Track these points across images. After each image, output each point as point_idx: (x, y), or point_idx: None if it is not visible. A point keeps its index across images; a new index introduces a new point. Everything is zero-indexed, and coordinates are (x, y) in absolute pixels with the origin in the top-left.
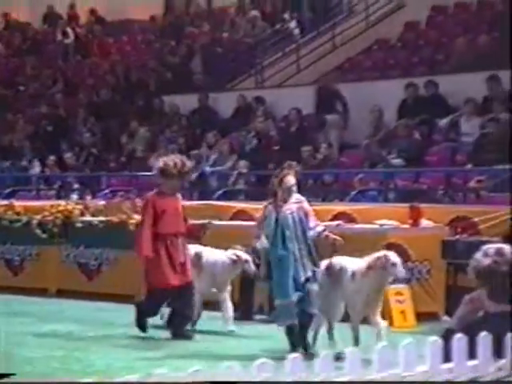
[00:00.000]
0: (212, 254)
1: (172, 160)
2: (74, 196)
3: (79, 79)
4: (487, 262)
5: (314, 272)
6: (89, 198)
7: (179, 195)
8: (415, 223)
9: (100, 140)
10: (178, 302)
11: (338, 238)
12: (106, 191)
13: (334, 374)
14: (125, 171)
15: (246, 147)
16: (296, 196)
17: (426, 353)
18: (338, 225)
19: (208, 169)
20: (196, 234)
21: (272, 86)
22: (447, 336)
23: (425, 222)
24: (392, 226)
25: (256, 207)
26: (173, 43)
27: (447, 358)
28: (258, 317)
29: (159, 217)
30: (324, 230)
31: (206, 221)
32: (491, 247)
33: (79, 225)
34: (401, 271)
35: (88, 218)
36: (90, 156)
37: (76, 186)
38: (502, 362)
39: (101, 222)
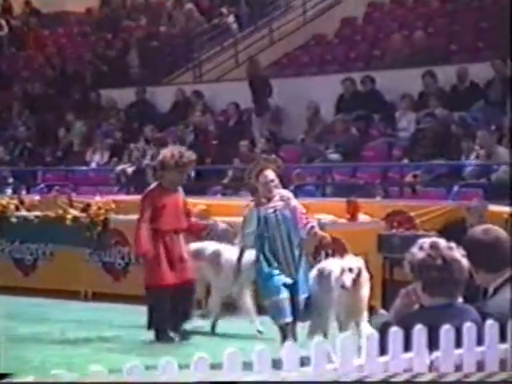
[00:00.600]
0: (232, 252)
1: (170, 151)
2: (9, 190)
3: (14, 72)
4: (421, 255)
5: (300, 277)
6: (24, 192)
7: (180, 190)
8: (352, 218)
9: (35, 134)
10: (175, 300)
11: (325, 234)
12: (42, 186)
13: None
14: (61, 165)
15: (184, 142)
16: (281, 192)
17: (362, 346)
18: None
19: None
20: (198, 233)
21: (210, 80)
22: (383, 329)
23: (362, 217)
24: (330, 221)
25: (194, 202)
26: (109, 36)
27: (383, 351)
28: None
29: (158, 212)
30: (313, 227)
31: (210, 221)
32: (426, 241)
33: (14, 220)
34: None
35: (23, 212)
36: (25, 150)
37: (10, 180)
38: (436, 354)
39: (36, 217)
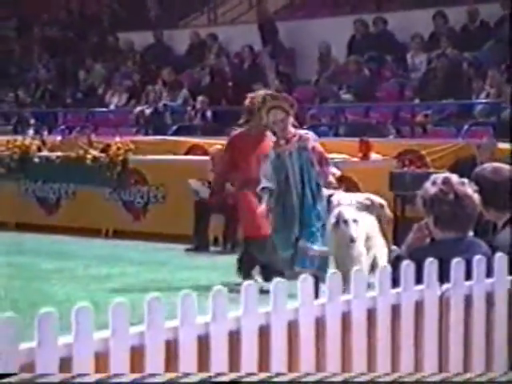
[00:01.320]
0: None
1: (255, 94)
2: (31, 131)
3: (33, 15)
4: (434, 190)
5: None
6: (45, 133)
7: (268, 134)
8: (365, 157)
9: (55, 76)
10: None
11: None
12: (63, 127)
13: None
14: (81, 107)
15: (200, 84)
16: (301, 133)
17: (375, 279)
18: None
19: (164, 104)
20: None
21: (225, 22)
22: (396, 263)
23: (374, 156)
24: (343, 160)
25: (211, 142)
26: None
27: (396, 283)
28: (213, 248)
29: (243, 159)
30: (331, 183)
31: None
32: (439, 176)
33: (36, 160)
34: (388, 213)
35: (45, 153)
36: (46, 92)
37: (32, 121)
38: (446, 286)
39: (58, 157)
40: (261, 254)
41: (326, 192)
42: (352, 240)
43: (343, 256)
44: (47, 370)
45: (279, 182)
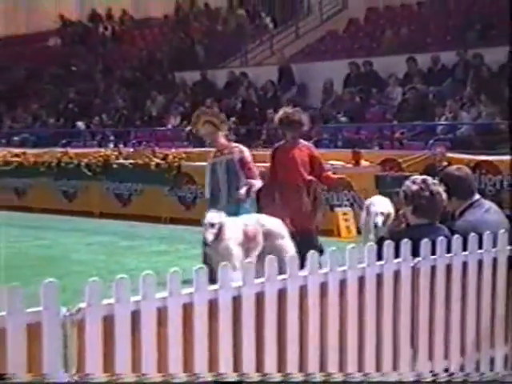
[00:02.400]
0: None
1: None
2: (111, 145)
3: (114, 61)
4: (415, 187)
5: None
6: (121, 146)
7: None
8: (356, 164)
9: (129, 105)
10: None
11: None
12: (134, 141)
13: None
14: (147, 127)
15: (234, 110)
16: (236, 145)
17: (364, 254)
18: None
19: None
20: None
21: (253, 64)
22: (380, 242)
23: (363, 163)
24: (340, 166)
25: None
26: (181, 34)
27: (379, 258)
28: None
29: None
30: (251, 187)
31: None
32: (418, 178)
33: (115, 166)
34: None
35: (121, 160)
36: (122, 116)
37: (112, 138)
38: (418, 259)
39: (130, 163)
40: None
41: None
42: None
43: (211, 253)
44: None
45: (213, 189)
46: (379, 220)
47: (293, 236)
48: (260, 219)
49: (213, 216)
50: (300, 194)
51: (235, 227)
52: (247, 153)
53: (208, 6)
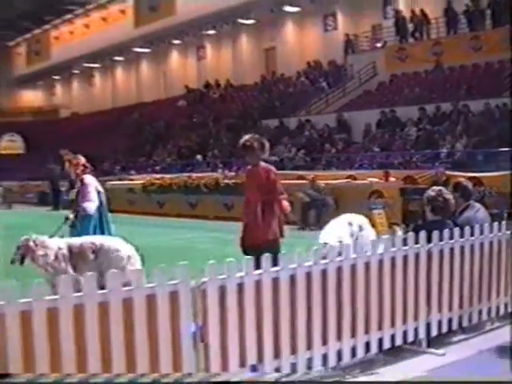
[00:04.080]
0: None
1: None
2: (219, 170)
3: (221, 114)
4: (432, 194)
5: None
6: (226, 171)
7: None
8: (386, 180)
9: (231, 143)
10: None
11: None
12: (235, 168)
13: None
14: (240, 159)
15: (301, 144)
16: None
17: (396, 241)
18: (348, 181)
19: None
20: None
21: (314, 113)
22: (415, 230)
23: (391, 179)
24: (375, 181)
25: (304, 173)
26: (265, 95)
27: (405, 243)
28: (313, 227)
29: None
30: (85, 209)
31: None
32: (436, 188)
33: (222, 184)
34: None
35: (226, 181)
36: (227, 151)
37: (220, 166)
38: (429, 246)
39: (232, 183)
40: None
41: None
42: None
43: None
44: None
45: None
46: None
47: (254, 247)
48: (90, 238)
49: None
50: (254, 210)
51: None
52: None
53: (283, 75)
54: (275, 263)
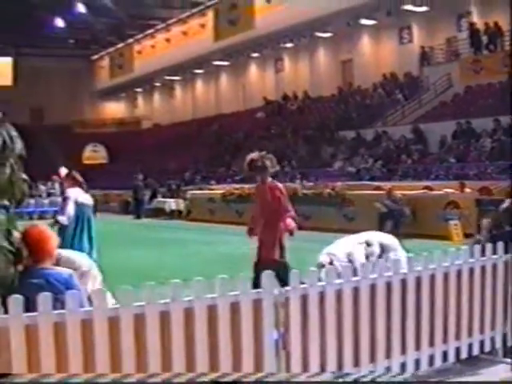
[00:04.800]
0: None
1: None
2: (298, 181)
3: (299, 125)
4: (506, 205)
5: None
6: (304, 182)
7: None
8: (462, 190)
9: (309, 153)
10: None
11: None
12: (312, 178)
13: None
14: (321, 168)
15: (377, 154)
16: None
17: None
18: (425, 192)
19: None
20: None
21: (391, 125)
22: (478, 243)
23: (467, 190)
24: (451, 192)
25: (380, 184)
26: (342, 106)
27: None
28: None
29: None
30: (57, 221)
31: None
32: (508, 200)
33: (301, 195)
34: None
35: (305, 191)
36: (305, 161)
37: (298, 176)
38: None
39: (311, 193)
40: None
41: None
42: None
43: None
44: None
45: None
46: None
47: (259, 263)
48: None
49: None
50: (264, 227)
51: None
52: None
53: (360, 86)
54: (281, 282)
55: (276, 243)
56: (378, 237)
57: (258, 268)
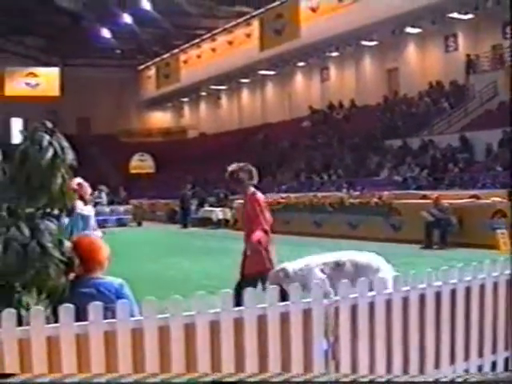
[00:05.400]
0: None
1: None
2: (344, 190)
3: (345, 134)
4: None
5: None
6: (351, 191)
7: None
8: (510, 199)
9: (355, 163)
10: None
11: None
12: (359, 187)
13: None
14: (367, 177)
15: (424, 164)
16: None
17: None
18: (472, 201)
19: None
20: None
21: (437, 133)
22: None
23: None
24: (499, 201)
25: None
26: (388, 115)
27: None
28: (435, 247)
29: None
30: None
31: None
32: None
33: (347, 204)
34: None
35: (351, 200)
36: (351, 170)
37: (345, 185)
38: None
39: (358, 202)
40: None
41: None
42: None
43: None
44: None
45: None
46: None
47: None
48: None
49: None
50: (247, 237)
51: None
52: None
53: (406, 95)
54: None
55: (259, 253)
56: (352, 256)
57: (242, 279)
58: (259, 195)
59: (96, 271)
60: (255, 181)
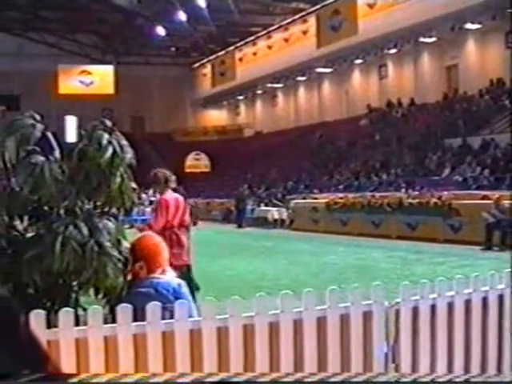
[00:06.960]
0: None
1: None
2: (403, 190)
3: (403, 132)
4: None
5: None
6: (410, 191)
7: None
8: None
9: (414, 162)
10: None
11: None
12: (418, 187)
13: None
14: (426, 177)
15: (463, 162)
16: None
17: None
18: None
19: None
20: None
21: (498, 132)
22: None
23: None
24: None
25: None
26: (447, 113)
27: None
28: (495, 248)
29: None
30: None
31: None
32: None
33: (406, 204)
34: None
35: (410, 200)
36: (410, 170)
37: (403, 185)
38: None
39: (416, 202)
40: None
41: None
42: None
43: None
44: None
45: None
46: None
47: None
48: None
49: None
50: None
51: None
52: None
53: (466, 93)
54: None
55: (173, 249)
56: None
57: None
58: (167, 197)
59: (155, 271)
60: (171, 186)
